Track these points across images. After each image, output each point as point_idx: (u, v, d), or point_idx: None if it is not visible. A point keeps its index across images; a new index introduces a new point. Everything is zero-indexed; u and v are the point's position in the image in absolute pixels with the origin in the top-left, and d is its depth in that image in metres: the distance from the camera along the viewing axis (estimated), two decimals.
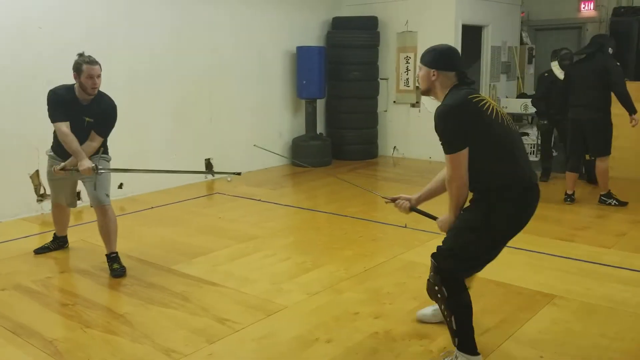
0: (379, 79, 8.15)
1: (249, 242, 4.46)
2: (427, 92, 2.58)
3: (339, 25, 7.97)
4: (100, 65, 3.64)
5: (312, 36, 7.97)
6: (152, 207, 5.43)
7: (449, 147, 2.40)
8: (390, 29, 8.05)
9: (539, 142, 6.46)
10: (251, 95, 7.23)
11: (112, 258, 3.82)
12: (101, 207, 3.76)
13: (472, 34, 7.91)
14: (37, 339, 2.91)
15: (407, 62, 7.97)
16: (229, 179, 6.80)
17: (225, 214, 5.36)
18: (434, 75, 2.50)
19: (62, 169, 3.76)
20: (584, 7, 9.02)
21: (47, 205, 5.36)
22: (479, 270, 2.68)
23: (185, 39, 6.42)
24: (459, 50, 7.50)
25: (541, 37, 9.72)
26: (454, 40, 7.49)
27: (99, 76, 3.62)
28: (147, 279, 3.72)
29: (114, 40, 5.76)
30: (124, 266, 3.81)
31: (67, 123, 3.66)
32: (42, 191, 5.34)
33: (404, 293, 3.44)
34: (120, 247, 3.91)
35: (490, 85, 8.24)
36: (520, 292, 3.40)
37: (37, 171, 5.26)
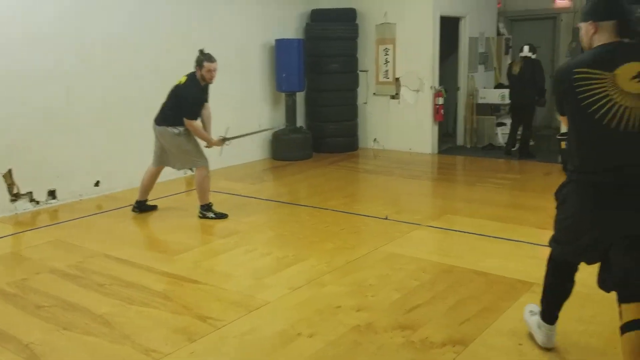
0: (358, 71, 8.13)
1: (230, 237, 4.43)
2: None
3: (318, 17, 7.92)
4: (216, 61, 4.68)
5: (291, 29, 7.90)
6: (130, 205, 5.34)
7: None
8: (369, 21, 8.02)
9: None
10: (230, 89, 7.14)
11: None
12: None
13: (450, 25, 7.93)
14: (13, 343, 2.84)
15: (387, 54, 7.95)
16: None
17: None
18: (592, 28, 2.06)
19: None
20: None
21: (20, 204, 5.25)
22: (587, 261, 2.45)
23: (163, 35, 6.31)
24: (437, 42, 7.62)
25: (517, 28, 9.79)
26: (433, 31, 7.50)
27: (215, 70, 4.73)
28: (127, 278, 3.66)
29: (90, 37, 5.64)
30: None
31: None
32: (15, 190, 5.21)
33: (387, 285, 3.44)
34: (99, 247, 3.84)
35: (468, 76, 8.27)
36: (500, 281, 3.43)
37: (10, 170, 5.13)
